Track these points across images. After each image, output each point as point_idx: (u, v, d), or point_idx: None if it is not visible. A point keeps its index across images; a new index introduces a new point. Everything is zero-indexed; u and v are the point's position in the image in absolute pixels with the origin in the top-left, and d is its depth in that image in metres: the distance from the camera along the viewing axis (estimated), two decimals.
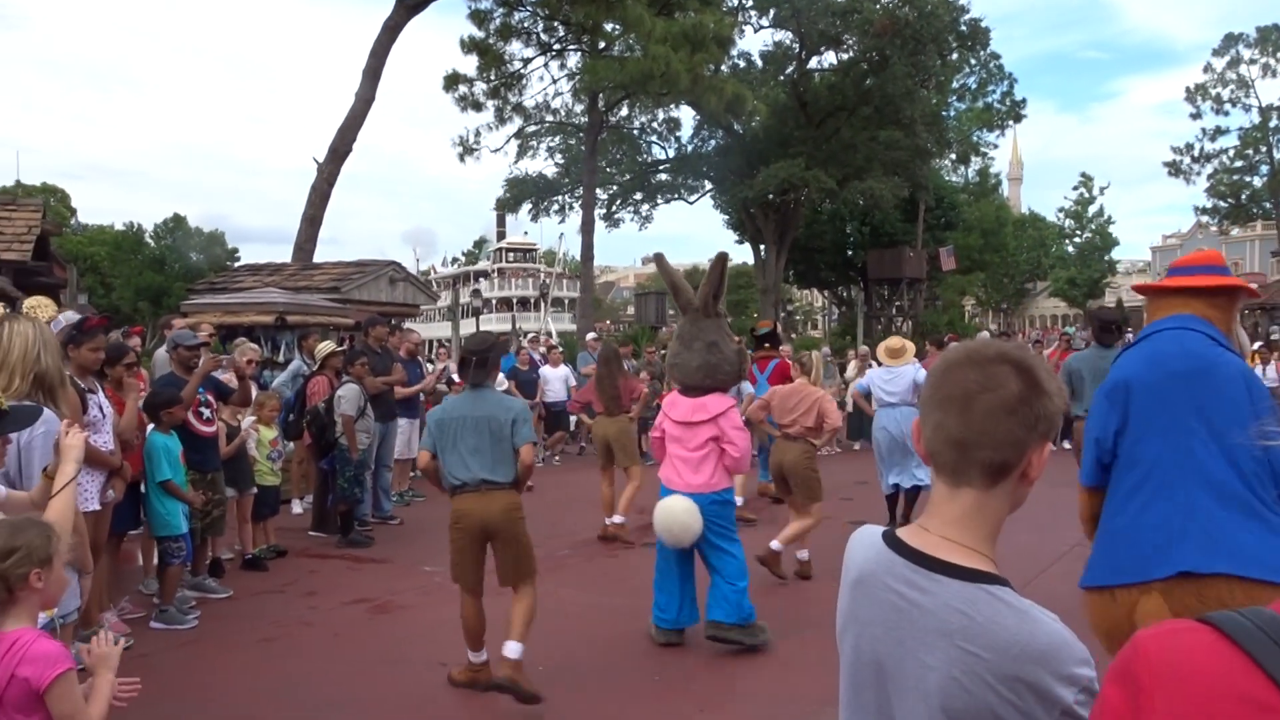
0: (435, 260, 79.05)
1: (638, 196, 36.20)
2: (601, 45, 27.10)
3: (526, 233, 73.37)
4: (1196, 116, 40.95)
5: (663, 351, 12.83)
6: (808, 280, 44.34)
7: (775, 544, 6.76)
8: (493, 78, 27.32)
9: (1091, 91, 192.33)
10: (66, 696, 2.15)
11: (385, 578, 7.09)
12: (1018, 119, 37.34)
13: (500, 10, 26.22)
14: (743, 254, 39.13)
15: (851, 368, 15.61)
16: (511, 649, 4.55)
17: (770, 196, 31.11)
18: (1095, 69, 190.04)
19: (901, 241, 36.78)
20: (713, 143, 34.46)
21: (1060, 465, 3.05)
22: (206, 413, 6.43)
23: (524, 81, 28.56)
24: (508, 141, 31.41)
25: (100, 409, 4.99)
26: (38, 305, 5.46)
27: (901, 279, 36.77)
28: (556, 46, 28.29)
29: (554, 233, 71.77)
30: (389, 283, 16.26)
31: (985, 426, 1.31)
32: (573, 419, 13.43)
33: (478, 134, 29.74)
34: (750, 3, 31.33)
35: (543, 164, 36.99)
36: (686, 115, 33.89)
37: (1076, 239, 60.63)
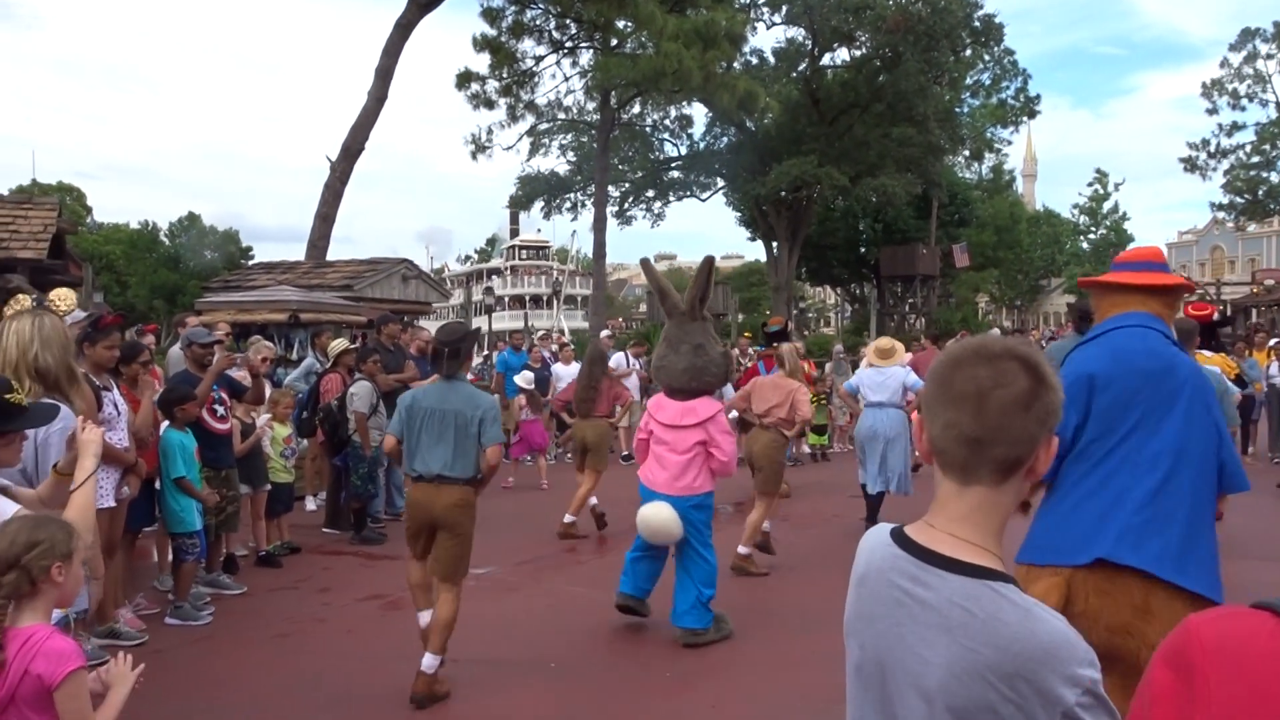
0: (450, 258, 79.29)
1: (650, 194, 36.11)
2: (614, 42, 27.07)
3: (539, 230, 73.46)
4: (1213, 112, 40.57)
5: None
6: (820, 277, 44.16)
7: (742, 549, 7.01)
8: (505, 75, 27.37)
9: (1106, 87, 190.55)
10: (76, 695, 2.16)
11: (398, 574, 7.03)
12: (1032, 115, 36.98)
13: (512, 8, 26.27)
14: (755, 251, 39.17)
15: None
16: (428, 662, 4.46)
17: (782, 193, 31.03)
18: (1110, 64, 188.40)
19: (915, 238, 36.61)
20: (725, 140, 34.33)
21: None
22: (221, 410, 6.47)
23: (536, 79, 28.63)
24: (520, 139, 31.51)
25: (115, 406, 5.04)
26: (60, 298, 5.55)
27: (915, 276, 36.61)
28: (568, 44, 28.29)
29: (567, 230, 71.57)
30: (401, 280, 16.35)
31: (1001, 423, 1.30)
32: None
33: (490, 132, 29.80)
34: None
35: (555, 161, 37.19)
36: (699, 112, 33.88)
37: (1091, 235, 60.25)
